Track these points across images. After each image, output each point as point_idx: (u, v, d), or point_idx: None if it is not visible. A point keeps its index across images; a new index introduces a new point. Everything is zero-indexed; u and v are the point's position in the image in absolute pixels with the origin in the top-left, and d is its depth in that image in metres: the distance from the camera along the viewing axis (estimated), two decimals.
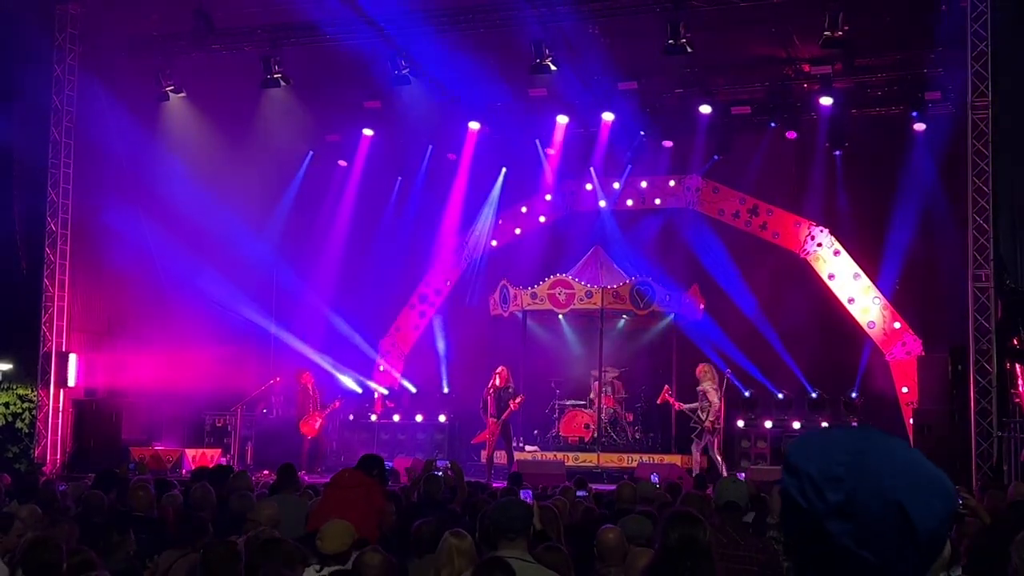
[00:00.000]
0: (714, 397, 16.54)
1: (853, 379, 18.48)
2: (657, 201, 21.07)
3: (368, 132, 20.90)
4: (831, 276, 19.14)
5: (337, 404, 18.58)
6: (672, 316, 19.10)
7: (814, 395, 18.46)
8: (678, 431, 18.27)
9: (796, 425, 18.01)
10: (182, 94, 18.62)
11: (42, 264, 18.17)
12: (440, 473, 9.72)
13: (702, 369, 16.89)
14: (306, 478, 13.85)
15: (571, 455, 17.89)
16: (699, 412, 16.58)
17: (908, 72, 18.02)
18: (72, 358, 18.22)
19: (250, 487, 9.83)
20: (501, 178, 21.56)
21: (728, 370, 17.39)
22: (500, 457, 17.16)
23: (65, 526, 6.60)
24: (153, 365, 18.71)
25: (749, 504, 6.41)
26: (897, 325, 18.52)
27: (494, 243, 21.94)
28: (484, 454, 17.36)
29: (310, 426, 18.08)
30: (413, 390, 20.98)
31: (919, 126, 17.88)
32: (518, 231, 21.99)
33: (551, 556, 5.02)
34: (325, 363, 20.25)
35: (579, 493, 9.52)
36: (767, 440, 18.03)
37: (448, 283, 22.11)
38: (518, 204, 21.91)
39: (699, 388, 16.69)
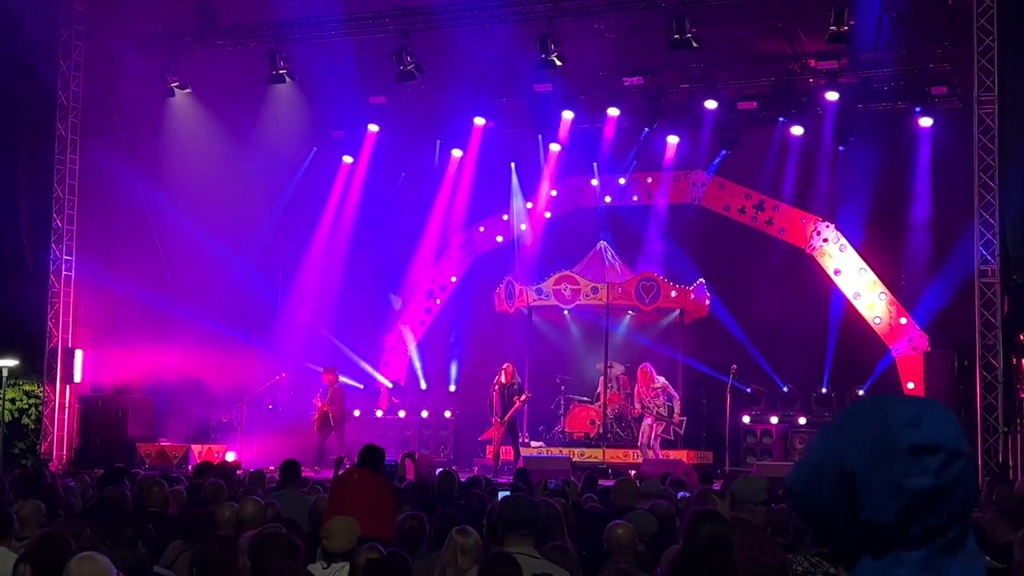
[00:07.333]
0: (673, 390, 17.24)
1: (858, 374, 18.42)
2: (663, 197, 21.02)
3: (373, 128, 20.88)
4: (837, 271, 19.09)
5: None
6: (678, 312, 19.07)
7: (824, 390, 18.44)
8: (683, 427, 18.25)
9: (802, 420, 17.98)
10: (187, 91, 18.63)
11: (48, 260, 18.19)
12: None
13: (645, 369, 17.45)
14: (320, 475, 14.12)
15: (577, 451, 17.89)
16: (660, 410, 16.93)
17: (914, 67, 17.95)
18: (78, 354, 18.25)
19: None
20: (515, 174, 21.52)
21: (734, 366, 17.38)
22: (507, 453, 17.17)
23: (74, 523, 6.61)
24: (159, 361, 18.73)
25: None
26: (903, 320, 18.48)
27: (499, 239, 21.91)
28: (490, 450, 17.37)
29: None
30: (424, 386, 20.97)
31: (925, 121, 17.82)
32: (523, 227, 21.95)
33: (560, 556, 5.01)
34: (320, 360, 20.24)
35: (586, 494, 9.45)
36: (772, 436, 18.03)
37: (454, 279, 22.09)
38: (523, 199, 21.86)
39: (656, 387, 17.04)
